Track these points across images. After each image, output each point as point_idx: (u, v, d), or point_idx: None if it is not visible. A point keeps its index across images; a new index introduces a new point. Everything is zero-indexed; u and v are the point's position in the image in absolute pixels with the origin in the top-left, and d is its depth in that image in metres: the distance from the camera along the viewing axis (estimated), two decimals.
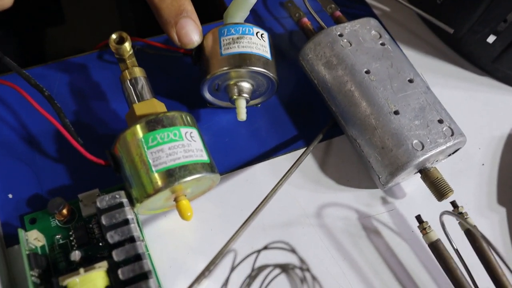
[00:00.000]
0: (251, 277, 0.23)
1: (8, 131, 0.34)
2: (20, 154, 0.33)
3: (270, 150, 0.35)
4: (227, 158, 0.34)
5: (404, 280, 0.32)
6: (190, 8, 0.32)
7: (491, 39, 0.40)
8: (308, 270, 0.22)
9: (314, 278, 0.23)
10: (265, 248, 0.24)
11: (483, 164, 0.37)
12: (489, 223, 0.35)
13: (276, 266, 0.22)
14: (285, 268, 0.22)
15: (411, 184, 0.35)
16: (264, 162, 0.35)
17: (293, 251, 0.23)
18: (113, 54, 0.37)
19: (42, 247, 0.30)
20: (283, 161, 0.35)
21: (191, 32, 0.32)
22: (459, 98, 0.40)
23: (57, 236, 0.30)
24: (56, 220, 0.31)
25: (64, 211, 0.30)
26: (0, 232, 0.31)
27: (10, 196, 0.32)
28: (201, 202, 0.32)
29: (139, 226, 0.31)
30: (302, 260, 0.23)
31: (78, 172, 0.33)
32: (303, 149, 0.35)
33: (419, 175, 0.34)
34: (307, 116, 0.37)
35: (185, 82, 0.36)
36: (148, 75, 0.32)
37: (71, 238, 0.30)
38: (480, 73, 0.42)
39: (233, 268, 0.23)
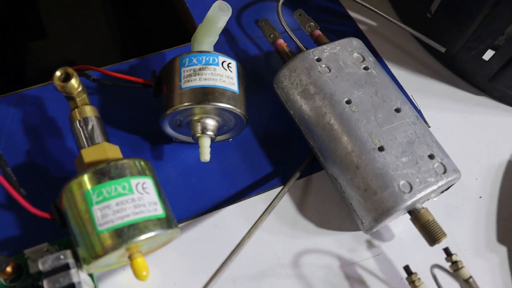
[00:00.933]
0: None
1: None
2: None
3: (242, 190, 0.31)
4: (194, 201, 0.30)
5: None
6: None
7: (487, 55, 0.36)
8: None
9: None
10: None
11: (480, 197, 0.33)
12: (489, 265, 0.31)
13: None
14: None
15: (400, 224, 0.31)
16: (236, 204, 0.31)
17: None
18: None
19: None
20: (257, 203, 0.31)
21: None
22: (454, 121, 0.36)
23: None
24: (1, 279, 0.27)
25: (8, 269, 0.26)
26: None
27: None
28: (163, 252, 0.29)
29: (93, 281, 0.27)
30: None
31: (25, 224, 0.29)
32: (278, 188, 0.31)
33: (407, 215, 0.30)
34: (284, 151, 0.33)
35: (148, 114, 0.32)
36: (108, 107, 0.29)
37: None
38: (476, 92, 0.38)
39: None
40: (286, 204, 0.31)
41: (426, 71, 0.38)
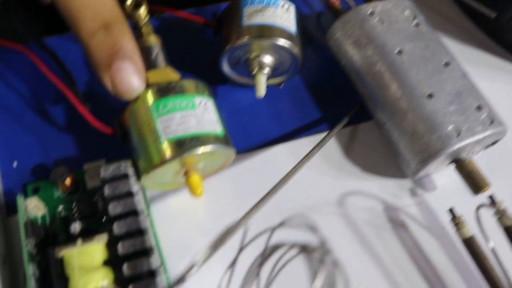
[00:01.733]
0: (264, 256, 0.20)
1: (15, 98, 0.32)
2: (26, 122, 0.31)
3: (291, 132, 0.32)
4: (245, 138, 0.31)
5: (431, 278, 0.28)
6: (129, 45, 0.25)
7: None
8: (329, 253, 0.19)
9: (335, 264, 0.19)
10: (282, 224, 0.20)
11: None
12: None
13: (294, 245, 0.19)
14: (304, 249, 0.18)
15: (443, 176, 0.31)
16: (285, 144, 0.31)
17: (313, 229, 0.20)
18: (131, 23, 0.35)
19: (43, 217, 0.27)
20: (305, 144, 0.31)
21: (129, 77, 0.25)
22: (499, 90, 0.36)
23: (59, 208, 0.28)
24: (59, 191, 0.28)
25: (67, 181, 0.27)
26: (1, 200, 0.28)
27: (14, 164, 0.30)
28: (214, 181, 0.29)
29: (146, 201, 0.28)
30: (323, 242, 0.19)
31: (85, 142, 0.30)
32: (326, 133, 0.32)
33: (451, 166, 0.30)
34: (333, 99, 0.33)
35: (204, 56, 0.34)
36: (167, 46, 0.29)
37: (73, 211, 0.27)
38: None
39: (242, 247, 0.20)
40: (333, 148, 0.32)
41: (471, 40, 0.39)
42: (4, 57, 0.33)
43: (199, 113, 0.25)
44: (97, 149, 0.30)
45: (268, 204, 0.27)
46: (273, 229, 0.21)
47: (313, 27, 0.37)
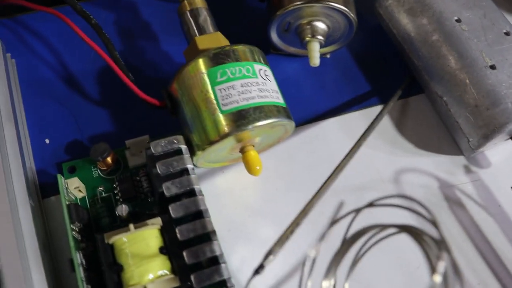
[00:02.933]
0: (349, 241, 0.17)
1: (46, 69, 0.28)
2: (59, 95, 0.27)
3: (341, 105, 0.29)
4: (294, 111, 0.27)
5: (489, 258, 0.26)
6: None
7: None
8: (448, 251, 0.16)
9: (455, 264, 0.16)
10: (371, 205, 0.18)
11: None
12: None
13: (401, 228, 0.16)
14: (413, 233, 0.16)
15: (498, 152, 0.29)
16: (335, 117, 0.29)
17: (432, 222, 0.17)
18: None
19: (83, 199, 0.24)
20: (356, 118, 0.29)
21: None
22: None
23: (99, 188, 0.24)
24: (98, 170, 0.25)
25: (109, 159, 0.24)
26: (35, 180, 0.25)
27: (47, 141, 0.26)
28: (265, 157, 0.26)
29: None
30: (442, 237, 0.16)
31: (123, 117, 0.27)
32: (377, 106, 0.29)
33: (507, 143, 0.28)
34: (382, 71, 0.31)
35: (247, 24, 0.30)
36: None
37: (115, 191, 0.24)
38: None
39: (333, 222, 0.17)
40: (386, 123, 0.29)
41: None
42: (34, 24, 0.29)
43: (260, 81, 0.22)
44: (137, 125, 0.26)
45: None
46: (358, 210, 0.18)
47: None
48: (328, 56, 0.30)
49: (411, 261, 0.24)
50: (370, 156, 0.28)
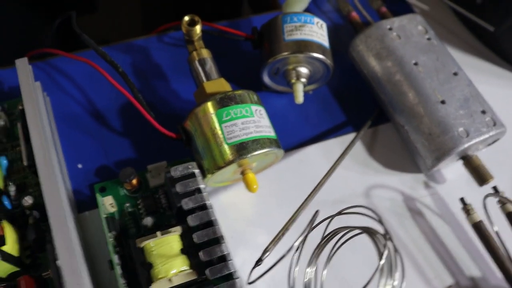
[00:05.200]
0: (326, 239, 0.26)
1: (78, 106, 0.36)
2: (90, 128, 0.35)
3: (321, 134, 0.37)
4: (282, 139, 0.36)
5: (445, 257, 0.34)
6: None
7: None
8: (391, 239, 0.24)
9: (396, 249, 0.25)
10: (340, 213, 0.26)
11: None
12: None
13: (361, 229, 0.24)
14: (369, 232, 0.24)
15: (451, 171, 0.38)
16: (316, 144, 0.37)
17: (379, 221, 0.25)
18: (171, 39, 0.40)
19: (114, 213, 0.32)
20: (334, 145, 0.37)
21: None
22: (497, 95, 0.42)
23: (126, 204, 0.32)
24: (125, 190, 0.33)
25: (134, 180, 0.32)
26: (72, 198, 0.33)
27: (80, 166, 0.34)
28: (259, 178, 0.35)
29: None
30: (386, 231, 0.25)
31: (144, 146, 0.35)
32: (351, 134, 0.38)
33: (458, 163, 0.37)
34: (355, 104, 0.39)
35: (242, 66, 0.39)
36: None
37: (139, 207, 0.32)
38: None
39: (311, 228, 0.25)
40: (358, 147, 0.38)
41: (472, 51, 0.45)
42: (65, 67, 0.37)
43: (256, 119, 0.31)
44: (154, 152, 0.35)
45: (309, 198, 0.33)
46: (332, 216, 0.26)
47: (333, 38, 0.43)
48: (310, 92, 0.39)
49: (369, 251, 0.30)
50: (345, 175, 0.36)
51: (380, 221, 0.25)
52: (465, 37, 0.46)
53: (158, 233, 0.29)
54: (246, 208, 0.34)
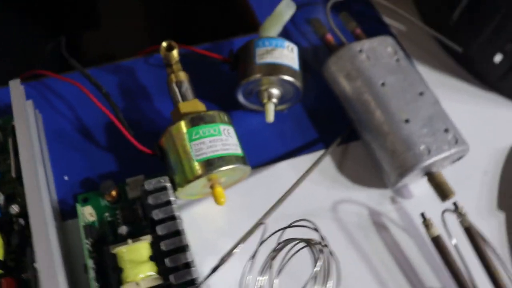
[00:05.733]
0: (276, 250, 0.28)
1: (67, 122, 0.40)
2: (76, 144, 0.39)
3: (293, 151, 0.40)
4: (255, 156, 0.39)
5: (407, 270, 0.36)
6: None
7: (498, 58, 0.45)
8: (326, 246, 0.27)
9: (331, 253, 0.27)
10: (290, 226, 0.29)
11: (485, 172, 0.42)
12: (488, 226, 0.39)
13: (301, 240, 0.27)
14: (308, 243, 0.27)
15: (418, 186, 0.40)
16: (288, 160, 0.40)
17: (315, 229, 0.28)
18: (157, 60, 0.43)
19: (93, 222, 0.35)
20: (305, 161, 0.40)
21: None
22: (467, 112, 0.45)
23: (105, 214, 0.36)
24: (106, 200, 0.36)
25: (113, 192, 0.35)
26: (57, 208, 0.36)
27: (66, 178, 0.38)
28: (231, 193, 0.37)
29: None
30: (322, 238, 0.28)
31: (125, 161, 0.38)
32: (322, 151, 0.40)
33: (425, 178, 0.39)
34: (327, 122, 0.42)
35: (220, 86, 0.42)
36: (190, 79, 0.38)
37: (117, 216, 0.35)
38: (488, 89, 0.47)
39: (262, 242, 0.28)
40: (328, 164, 0.40)
41: (446, 69, 0.47)
42: (56, 86, 0.41)
43: (223, 138, 0.34)
44: (135, 166, 0.38)
45: (277, 210, 0.35)
46: (284, 228, 0.29)
47: (311, 58, 0.46)
48: (285, 111, 0.42)
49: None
50: (314, 190, 0.39)
51: (316, 229, 0.28)
52: (439, 56, 0.48)
53: (129, 240, 0.32)
54: (217, 220, 0.37)
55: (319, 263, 0.25)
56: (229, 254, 0.29)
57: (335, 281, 0.27)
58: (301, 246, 0.28)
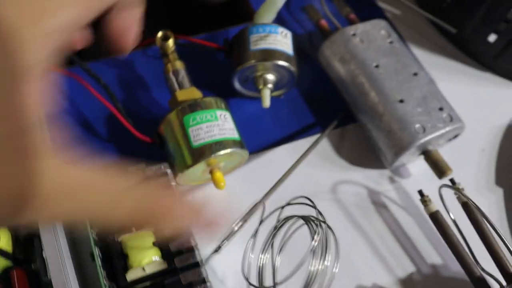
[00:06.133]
0: (276, 228, 0.30)
1: (69, 113, 0.41)
2: (79, 133, 0.40)
3: (291, 135, 0.41)
4: (253, 141, 0.40)
5: (407, 245, 0.37)
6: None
7: (492, 38, 0.45)
8: (324, 222, 0.28)
9: (329, 227, 0.28)
10: (288, 204, 0.30)
11: (483, 150, 0.43)
12: (487, 201, 0.40)
13: (299, 217, 0.28)
14: (306, 219, 0.28)
15: (416, 165, 0.41)
16: (286, 145, 0.41)
17: (312, 206, 0.29)
18: (155, 52, 0.44)
19: None
20: (303, 144, 0.41)
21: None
22: (463, 92, 0.46)
23: None
24: None
25: None
26: None
27: None
28: (231, 177, 0.38)
29: None
30: (320, 213, 0.29)
31: (125, 151, 0.39)
32: (319, 135, 0.41)
33: (422, 157, 0.40)
34: (324, 106, 0.43)
35: (217, 74, 0.43)
36: (186, 68, 0.39)
37: None
38: (483, 69, 0.48)
39: (262, 221, 0.29)
40: (326, 147, 0.41)
41: (440, 51, 0.48)
42: (59, 80, 0.42)
43: (220, 123, 0.35)
44: (135, 156, 0.39)
45: (276, 193, 0.37)
46: (282, 207, 0.30)
47: (306, 44, 0.47)
48: (282, 96, 0.43)
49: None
50: (312, 172, 0.40)
51: (314, 207, 0.29)
52: (434, 38, 0.49)
53: (133, 228, 0.33)
54: (218, 204, 0.38)
55: (316, 237, 0.26)
56: (231, 233, 0.30)
57: (334, 256, 0.28)
58: (300, 224, 0.29)
